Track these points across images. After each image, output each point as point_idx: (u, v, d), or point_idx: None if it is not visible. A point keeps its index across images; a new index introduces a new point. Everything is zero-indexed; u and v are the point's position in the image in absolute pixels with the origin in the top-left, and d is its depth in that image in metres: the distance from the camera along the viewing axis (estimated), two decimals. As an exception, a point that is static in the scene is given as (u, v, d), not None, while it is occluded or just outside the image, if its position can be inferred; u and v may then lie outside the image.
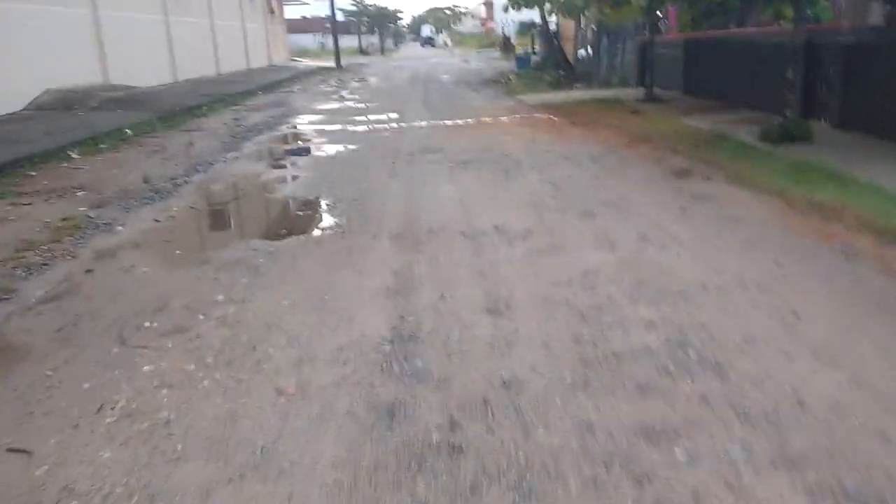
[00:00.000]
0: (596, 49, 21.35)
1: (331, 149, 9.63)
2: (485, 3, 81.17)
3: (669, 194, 6.25)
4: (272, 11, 36.98)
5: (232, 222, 6.17)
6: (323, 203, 6.36)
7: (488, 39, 67.28)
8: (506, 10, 14.01)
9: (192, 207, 6.41)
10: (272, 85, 22.17)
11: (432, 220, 5.62)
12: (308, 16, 71.02)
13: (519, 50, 38.23)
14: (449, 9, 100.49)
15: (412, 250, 4.86)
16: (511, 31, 56.38)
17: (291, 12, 58.21)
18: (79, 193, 6.92)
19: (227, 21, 27.10)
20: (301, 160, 8.92)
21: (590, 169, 7.48)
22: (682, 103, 12.71)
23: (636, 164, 7.67)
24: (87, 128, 10.66)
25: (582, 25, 22.37)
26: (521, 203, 6.08)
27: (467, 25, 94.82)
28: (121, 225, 5.77)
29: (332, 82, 24.79)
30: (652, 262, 4.43)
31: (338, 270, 4.48)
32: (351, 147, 9.64)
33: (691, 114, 11.19)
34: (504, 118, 12.40)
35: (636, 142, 9.03)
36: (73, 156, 8.90)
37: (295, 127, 12.26)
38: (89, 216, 5.95)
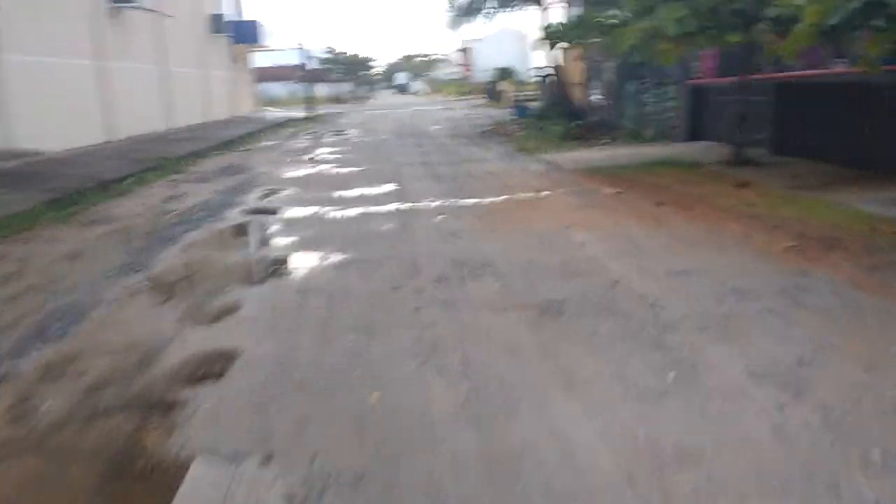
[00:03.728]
0: (616, 95, 18.05)
1: (301, 264, 5.84)
2: (462, 50, 79.20)
3: None
4: (238, 59, 33.55)
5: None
6: None
7: (467, 86, 64.67)
8: (540, 46, 10.53)
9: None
10: (232, 141, 18.49)
11: None
12: (279, 64, 68.08)
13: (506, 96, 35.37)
14: (423, 56, 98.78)
15: None
16: (488, 77, 53.79)
17: (261, 59, 55.30)
18: None
19: (183, 68, 23.49)
20: (247, 302, 5.01)
21: (831, 340, 3.75)
22: (793, 169, 9.20)
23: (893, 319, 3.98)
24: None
25: (602, 67, 19.07)
26: None
27: (443, 72, 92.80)
28: None
29: (304, 136, 21.18)
30: None
31: None
32: (333, 259, 5.86)
33: (830, 188, 7.68)
34: (547, 192, 8.76)
35: (814, 248, 5.40)
36: None
37: (248, 212, 8.45)
38: None
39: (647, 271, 5.00)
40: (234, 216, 8.16)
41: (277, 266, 5.81)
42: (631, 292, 4.54)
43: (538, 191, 8.92)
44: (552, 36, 9.98)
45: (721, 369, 3.33)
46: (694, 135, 13.32)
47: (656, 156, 11.46)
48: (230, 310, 4.66)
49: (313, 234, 6.91)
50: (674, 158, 10.91)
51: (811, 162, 9.55)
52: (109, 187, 10.00)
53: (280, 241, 6.72)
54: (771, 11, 7.50)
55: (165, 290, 5.26)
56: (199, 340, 4.11)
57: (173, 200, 9.29)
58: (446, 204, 8.25)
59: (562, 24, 9.55)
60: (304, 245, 6.46)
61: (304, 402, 3.21)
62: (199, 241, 6.90)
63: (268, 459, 2.72)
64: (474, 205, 8.12)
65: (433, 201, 8.47)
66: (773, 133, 10.52)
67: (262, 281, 5.32)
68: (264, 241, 6.91)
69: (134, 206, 8.87)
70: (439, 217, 7.50)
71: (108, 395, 3.45)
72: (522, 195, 8.66)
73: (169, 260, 6.11)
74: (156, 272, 5.73)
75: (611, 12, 8.66)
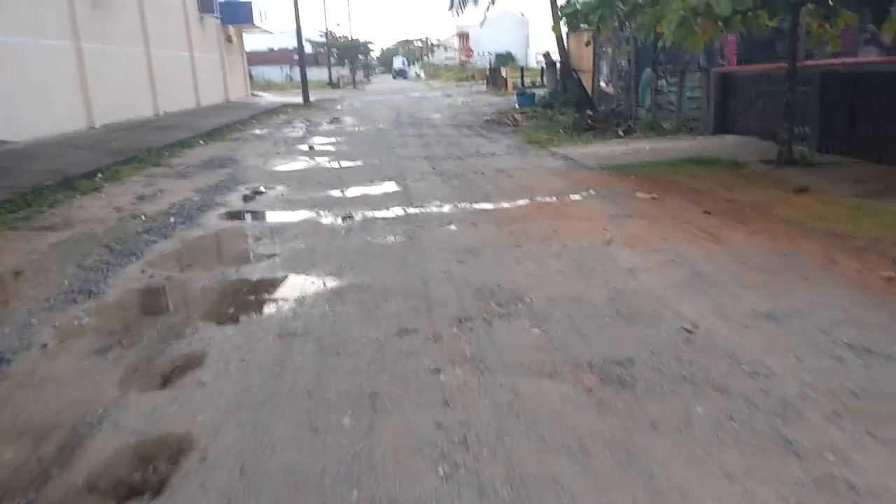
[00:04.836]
0: (632, 83, 16.90)
1: (285, 293, 4.73)
2: (458, 35, 77.62)
3: None
4: (230, 40, 32.21)
5: None
6: None
7: (466, 72, 63.09)
8: (556, 30, 9.38)
9: None
10: (221, 129, 17.29)
11: None
12: (275, 47, 66.49)
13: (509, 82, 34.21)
14: (420, 41, 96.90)
15: None
16: (488, 64, 52.28)
17: (255, 42, 53.93)
18: None
19: (170, 50, 22.23)
20: (211, 353, 3.89)
21: None
22: (850, 171, 8.12)
23: None
24: None
25: (614, 53, 17.89)
26: None
27: (440, 57, 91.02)
28: None
29: (299, 124, 19.99)
30: None
31: None
32: (326, 285, 4.77)
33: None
34: (573, 196, 7.67)
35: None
36: None
37: (230, 217, 7.35)
38: None
39: (724, 314, 3.92)
40: (212, 222, 7.04)
41: (255, 295, 4.71)
42: (715, 348, 3.46)
43: (561, 193, 7.83)
44: (571, 17, 8.81)
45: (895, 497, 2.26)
46: (721, 127, 12.22)
47: (685, 151, 10.37)
48: (189, 365, 3.56)
49: (302, 248, 5.80)
50: (706, 155, 9.82)
51: (864, 162, 8.48)
52: (75, 184, 8.85)
53: (262, 258, 5.60)
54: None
55: (112, 329, 4.15)
56: (141, 418, 3.02)
57: (145, 201, 8.16)
58: (457, 209, 7.15)
59: (583, 3, 8.37)
60: (290, 264, 5.36)
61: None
62: (166, 255, 5.79)
63: None
64: (490, 210, 7.03)
65: (442, 205, 7.37)
66: (819, 128, 9.42)
67: (234, 318, 4.22)
68: (243, 258, 5.80)
69: (98, 208, 7.74)
70: (451, 226, 6.41)
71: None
72: (544, 198, 7.56)
73: (124, 283, 5.00)
74: (105, 301, 4.63)
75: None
